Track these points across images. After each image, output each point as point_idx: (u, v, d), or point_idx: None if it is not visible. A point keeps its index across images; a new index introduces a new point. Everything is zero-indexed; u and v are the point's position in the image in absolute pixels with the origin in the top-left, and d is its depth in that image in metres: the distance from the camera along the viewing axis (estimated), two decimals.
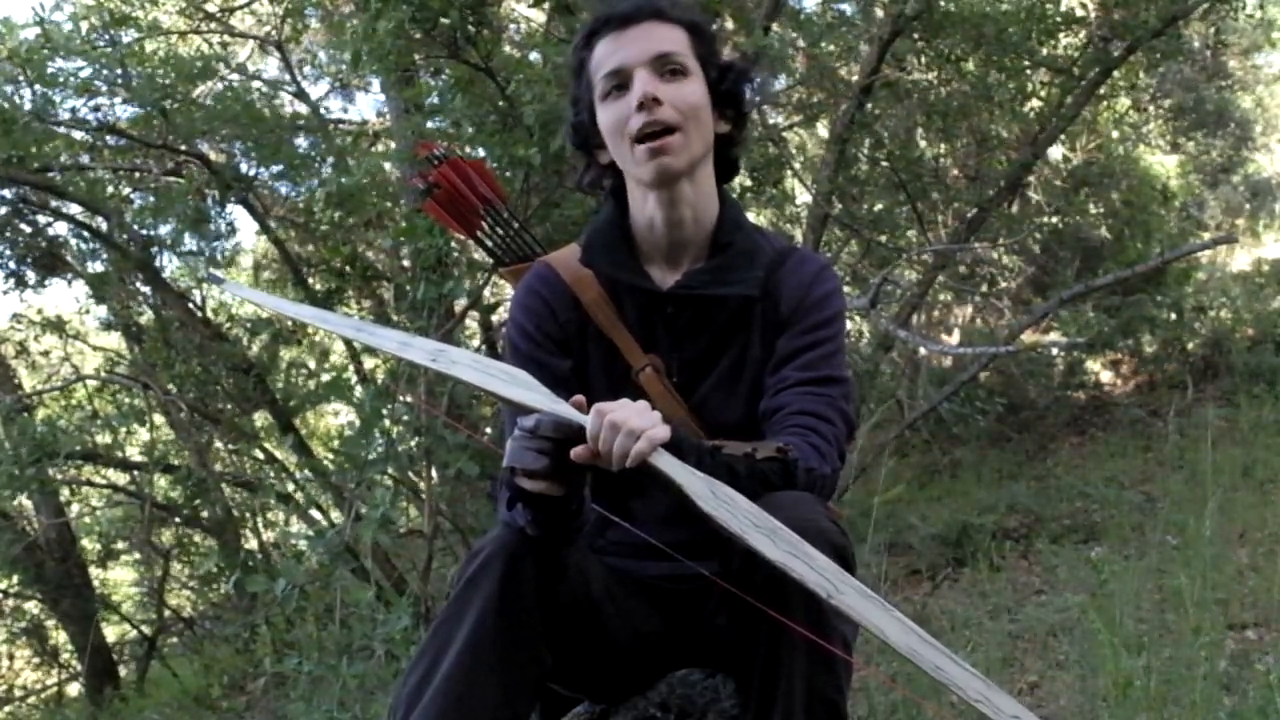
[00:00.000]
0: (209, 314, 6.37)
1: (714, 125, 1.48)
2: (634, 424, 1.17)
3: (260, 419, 6.58)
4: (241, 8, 7.29)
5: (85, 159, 5.77)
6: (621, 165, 1.47)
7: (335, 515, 5.59)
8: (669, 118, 1.40)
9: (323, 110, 6.81)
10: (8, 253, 6.11)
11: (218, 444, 6.77)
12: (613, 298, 1.52)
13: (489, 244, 1.89)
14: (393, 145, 5.87)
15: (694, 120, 1.43)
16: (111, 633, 7.61)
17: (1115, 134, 8.52)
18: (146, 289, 6.30)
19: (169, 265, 6.28)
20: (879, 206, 6.75)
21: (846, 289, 6.89)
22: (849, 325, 6.95)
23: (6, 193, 5.85)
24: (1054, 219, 8.10)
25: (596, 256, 1.51)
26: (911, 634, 1.04)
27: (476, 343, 6.19)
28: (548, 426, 1.21)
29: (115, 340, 7.55)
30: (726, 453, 1.30)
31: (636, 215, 1.51)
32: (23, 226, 6.21)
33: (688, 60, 1.44)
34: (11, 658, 7.81)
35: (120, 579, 8.39)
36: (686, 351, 1.51)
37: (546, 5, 4.68)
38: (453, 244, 3.69)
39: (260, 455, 6.58)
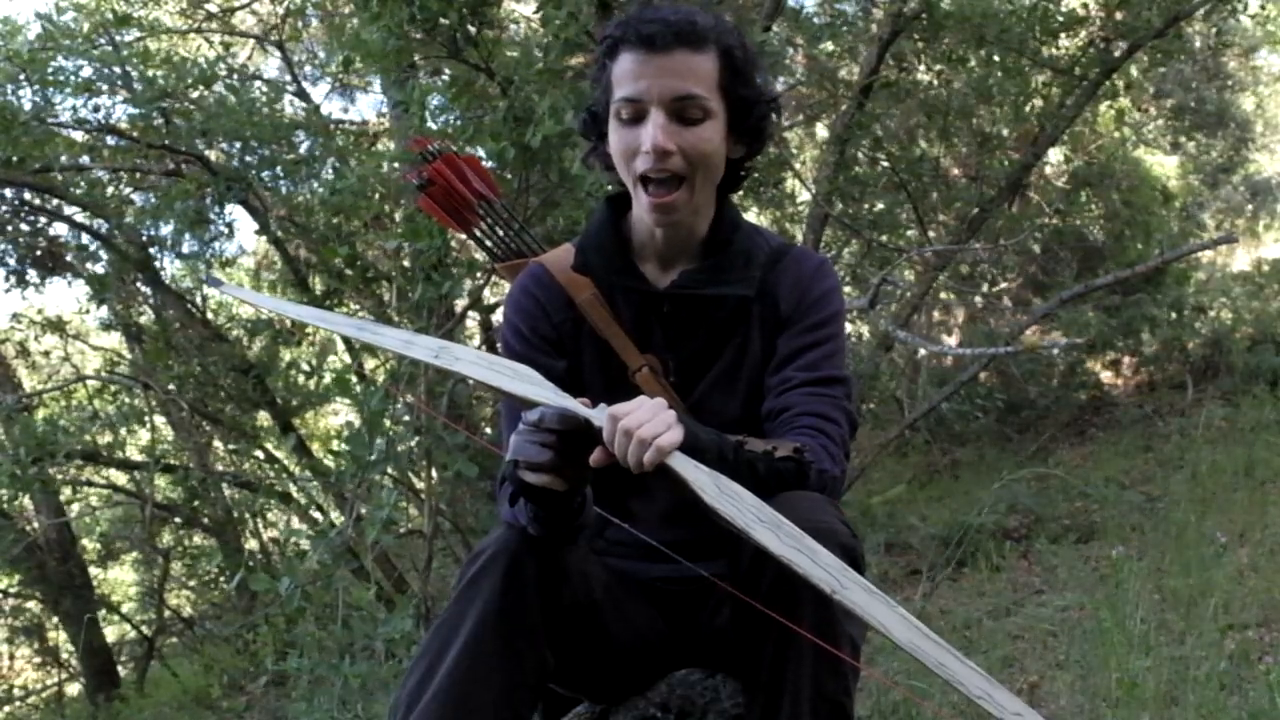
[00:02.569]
0: (209, 314, 6.38)
1: (728, 151, 1.44)
2: (645, 433, 1.15)
3: (260, 419, 6.58)
4: (242, 8, 7.30)
5: (85, 159, 5.76)
6: (625, 183, 1.45)
7: (335, 515, 5.59)
8: (678, 168, 1.38)
9: (324, 111, 6.81)
10: (10, 250, 6.10)
11: (218, 444, 6.77)
12: (607, 298, 1.51)
13: (485, 240, 1.88)
14: (392, 145, 5.86)
15: (704, 167, 1.40)
16: (111, 633, 7.62)
17: (1115, 134, 8.52)
18: (147, 289, 6.30)
19: (169, 266, 6.29)
20: (879, 206, 6.74)
21: (846, 289, 6.88)
22: (849, 326, 6.99)
23: (7, 192, 5.85)
24: (1054, 219, 8.10)
25: (591, 260, 1.50)
26: (915, 630, 1.04)
27: (476, 342, 6.18)
28: (552, 419, 1.20)
29: (115, 340, 7.55)
30: (749, 449, 1.29)
31: (636, 222, 1.50)
32: (23, 226, 6.21)
33: (710, 101, 1.37)
34: (12, 658, 7.81)
35: (120, 579, 8.40)
36: (683, 351, 1.50)
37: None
38: (453, 244, 3.68)
39: (260, 455, 6.58)
